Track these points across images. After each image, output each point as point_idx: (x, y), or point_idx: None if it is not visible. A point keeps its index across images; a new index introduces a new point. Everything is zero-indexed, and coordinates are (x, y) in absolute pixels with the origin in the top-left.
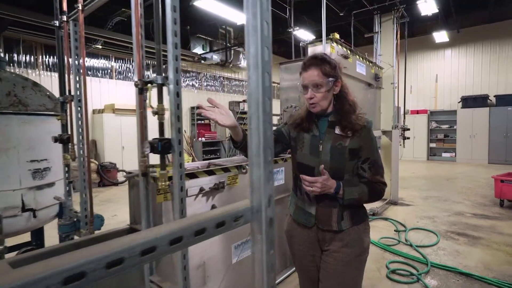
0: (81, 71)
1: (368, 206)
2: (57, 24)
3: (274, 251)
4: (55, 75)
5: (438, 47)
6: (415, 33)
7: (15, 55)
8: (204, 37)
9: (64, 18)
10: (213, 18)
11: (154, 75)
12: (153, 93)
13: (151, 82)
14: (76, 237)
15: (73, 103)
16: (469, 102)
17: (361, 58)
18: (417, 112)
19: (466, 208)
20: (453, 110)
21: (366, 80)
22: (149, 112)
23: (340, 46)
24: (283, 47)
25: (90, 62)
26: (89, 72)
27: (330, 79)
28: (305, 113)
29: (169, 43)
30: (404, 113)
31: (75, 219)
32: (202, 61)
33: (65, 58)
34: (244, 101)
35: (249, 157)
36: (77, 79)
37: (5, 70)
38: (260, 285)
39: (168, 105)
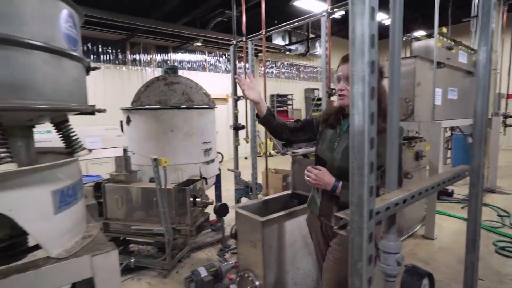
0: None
1: (463, 192)
2: (235, 43)
3: (482, 189)
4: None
5: None
6: None
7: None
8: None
9: (244, 38)
10: (299, 12)
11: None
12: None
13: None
14: (244, 199)
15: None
16: None
17: (463, 47)
18: None
19: None
20: None
21: (467, 68)
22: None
23: (445, 39)
24: None
25: (188, 57)
26: (188, 66)
27: None
28: (334, 110)
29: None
30: (507, 99)
31: (246, 186)
32: (288, 52)
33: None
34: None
35: (474, 138)
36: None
37: (179, 75)
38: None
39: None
